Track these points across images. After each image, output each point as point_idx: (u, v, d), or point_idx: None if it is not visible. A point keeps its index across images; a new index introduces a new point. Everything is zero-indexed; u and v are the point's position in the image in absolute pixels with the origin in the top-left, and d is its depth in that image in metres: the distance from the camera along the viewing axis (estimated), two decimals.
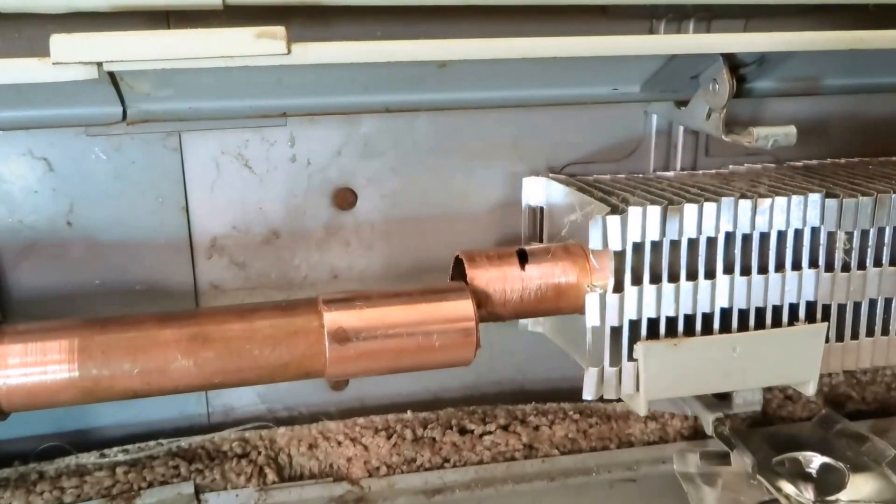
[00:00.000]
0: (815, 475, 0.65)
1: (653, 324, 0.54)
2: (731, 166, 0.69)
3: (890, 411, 0.76)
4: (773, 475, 0.64)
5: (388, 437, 0.68)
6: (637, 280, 0.53)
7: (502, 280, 0.52)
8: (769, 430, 0.72)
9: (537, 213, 0.64)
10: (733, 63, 0.53)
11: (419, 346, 0.47)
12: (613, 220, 0.51)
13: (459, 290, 0.50)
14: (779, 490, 0.62)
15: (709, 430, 0.69)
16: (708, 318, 0.55)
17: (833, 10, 0.64)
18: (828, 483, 0.64)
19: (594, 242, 0.52)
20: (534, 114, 0.64)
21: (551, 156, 0.66)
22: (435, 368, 0.49)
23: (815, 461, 0.66)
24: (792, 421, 0.74)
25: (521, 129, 0.65)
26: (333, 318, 0.46)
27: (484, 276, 0.52)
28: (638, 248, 0.52)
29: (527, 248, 0.54)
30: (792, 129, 0.55)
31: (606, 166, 0.67)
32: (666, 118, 0.66)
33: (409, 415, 0.70)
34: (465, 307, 0.49)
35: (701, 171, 0.68)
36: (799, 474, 0.65)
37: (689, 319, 0.54)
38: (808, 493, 0.63)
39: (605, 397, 0.55)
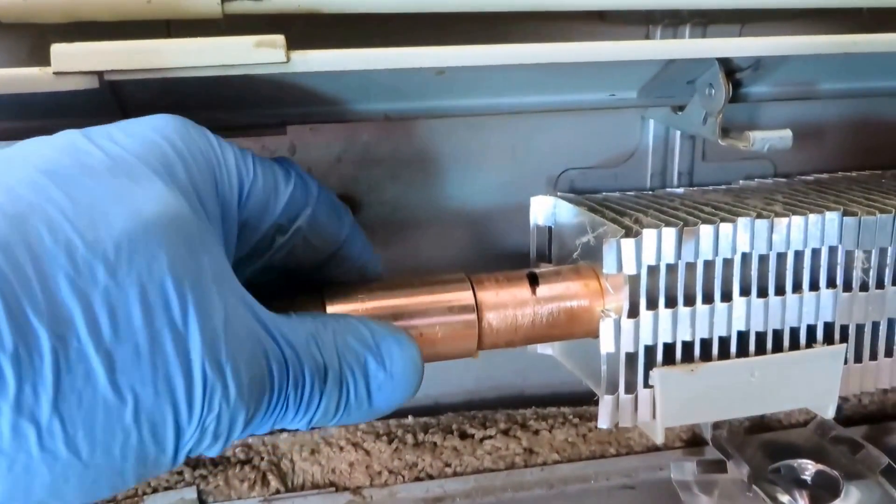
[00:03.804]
0: (809, 482, 0.66)
1: (668, 349, 0.53)
2: (741, 182, 0.69)
3: (887, 414, 0.77)
4: (768, 484, 0.64)
5: (390, 442, 0.68)
6: (652, 304, 0.52)
7: (513, 304, 0.50)
8: (765, 437, 0.72)
9: (545, 233, 0.62)
10: (729, 68, 0.53)
11: (422, 337, 0.46)
12: (628, 244, 0.50)
13: (459, 280, 0.50)
14: (774, 499, 0.63)
15: (707, 435, 0.70)
16: (725, 342, 0.54)
17: (827, 15, 0.65)
18: (823, 490, 0.64)
19: (608, 266, 0.50)
20: (532, 120, 0.64)
21: (550, 162, 0.66)
22: (439, 360, 0.48)
23: (809, 468, 0.66)
24: (790, 424, 0.74)
25: (520, 135, 0.65)
26: (336, 312, 0.46)
27: (493, 300, 0.50)
28: (652, 271, 0.51)
29: (537, 270, 0.53)
30: (788, 133, 0.55)
31: (604, 172, 0.67)
32: (663, 123, 0.66)
33: (409, 420, 0.70)
34: (466, 298, 0.49)
35: (711, 188, 0.68)
36: (794, 481, 0.66)
37: (706, 344, 0.53)
38: (803, 501, 0.63)
39: (620, 425, 0.54)
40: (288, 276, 0.47)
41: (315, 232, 0.45)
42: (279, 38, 0.42)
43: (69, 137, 0.36)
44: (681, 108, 0.61)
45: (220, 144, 0.40)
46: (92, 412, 0.31)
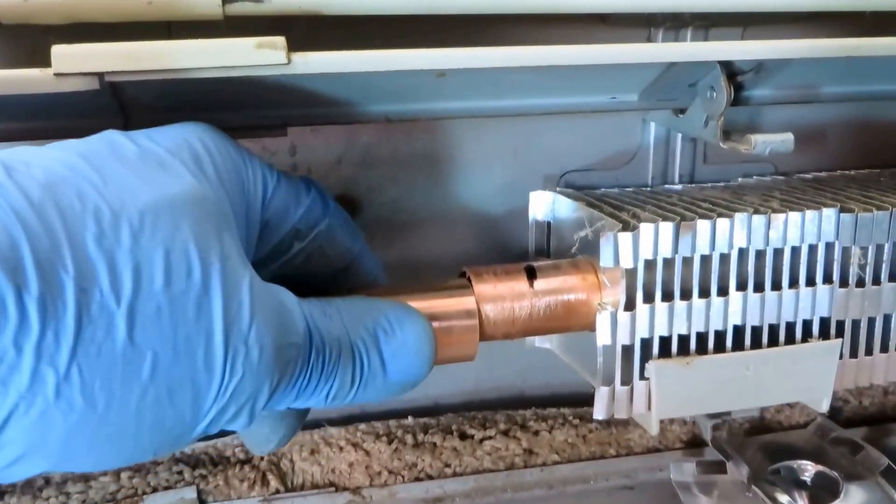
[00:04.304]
0: (809, 483, 0.66)
1: (664, 342, 0.53)
2: (739, 179, 0.69)
3: (887, 415, 0.77)
4: (768, 485, 0.64)
5: (389, 443, 0.68)
6: (649, 298, 0.52)
7: (511, 297, 0.51)
8: (765, 439, 0.72)
9: (544, 228, 0.62)
10: (731, 71, 0.53)
11: None
12: (625, 237, 0.50)
13: (462, 286, 0.50)
14: (774, 500, 0.63)
15: (707, 435, 0.70)
16: (721, 336, 0.54)
17: (830, 18, 0.65)
18: (822, 491, 0.64)
19: (605, 260, 0.50)
20: (533, 123, 0.64)
21: (550, 164, 0.66)
22: (440, 364, 0.48)
23: (809, 470, 0.67)
24: (790, 426, 0.74)
25: (521, 137, 0.65)
26: None
27: (491, 293, 0.50)
28: (650, 265, 0.51)
29: (535, 264, 0.53)
30: (789, 137, 0.55)
31: (605, 174, 0.67)
32: (664, 126, 0.66)
33: (409, 420, 0.70)
34: (468, 302, 0.49)
35: (710, 184, 0.68)
36: (794, 482, 0.66)
37: (702, 337, 0.53)
38: (803, 502, 0.63)
39: (615, 416, 0.54)
40: (297, 286, 0.47)
41: (331, 240, 0.47)
42: (280, 40, 0.42)
43: (108, 133, 0.39)
44: (682, 111, 0.61)
45: (246, 151, 0.42)
46: (110, 364, 0.32)
